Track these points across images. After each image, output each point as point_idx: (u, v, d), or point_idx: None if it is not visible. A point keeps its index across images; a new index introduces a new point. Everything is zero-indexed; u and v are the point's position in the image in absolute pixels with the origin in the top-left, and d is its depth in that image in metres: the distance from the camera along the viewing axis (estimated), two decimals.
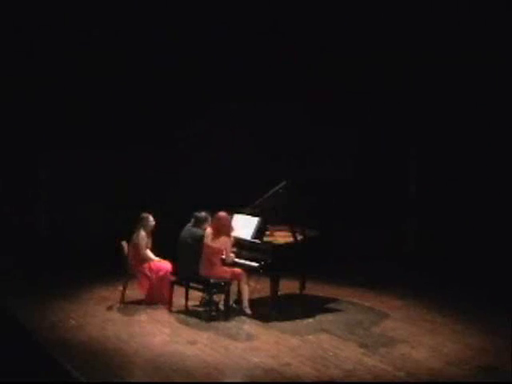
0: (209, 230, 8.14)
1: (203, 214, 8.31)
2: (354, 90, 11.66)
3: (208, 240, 8.07)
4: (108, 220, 11.20)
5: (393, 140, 11.81)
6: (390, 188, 11.81)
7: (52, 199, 11.69)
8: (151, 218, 8.62)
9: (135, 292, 8.71)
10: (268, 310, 8.13)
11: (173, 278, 8.37)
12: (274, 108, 12.04)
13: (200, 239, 8.14)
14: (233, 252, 8.20)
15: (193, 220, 8.36)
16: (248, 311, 8.19)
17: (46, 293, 8.87)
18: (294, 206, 8.14)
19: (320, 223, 8.61)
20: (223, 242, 8.02)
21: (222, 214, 8.12)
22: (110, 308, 8.41)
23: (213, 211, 8.28)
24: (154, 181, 11.92)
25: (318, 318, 8.19)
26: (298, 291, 8.86)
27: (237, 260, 8.21)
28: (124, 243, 8.61)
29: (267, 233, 8.54)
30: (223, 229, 8.06)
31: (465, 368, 6.71)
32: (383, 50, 11.35)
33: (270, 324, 7.87)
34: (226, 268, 8.09)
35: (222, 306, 8.21)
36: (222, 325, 7.84)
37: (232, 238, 8.17)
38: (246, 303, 8.23)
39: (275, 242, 8.38)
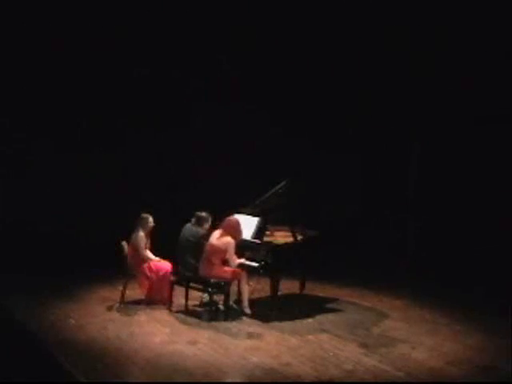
0: (217, 231, 8.13)
1: (204, 213, 8.32)
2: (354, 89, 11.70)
3: (213, 239, 8.07)
4: (108, 220, 11.19)
5: (393, 139, 11.80)
6: (391, 188, 11.81)
7: (53, 199, 11.70)
8: (151, 219, 8.61)
9: (135, 292, 8.70)
10: (268, 310, 8.13)
11: (173, 278, 8.37)
12: (273, 108, 12.07)
13: (201, 238, 8.14)
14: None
15: (194, 219, 8.37)
16: (248, 311, 8.19)
17: (46, 293, 8.86)
18: (293, 205, 8.16)
19: (320, 223, 8.66)
20: (226, 243, 7.99)
21: (234, 218, 8.14)
22: (110, 308, 8.41)
23: (212, 211, 8.30)
24: (154, 180, 11.92)
25: (317, 318, 8.19)
26: (298, 291, 8.87)
27: (241, 262, 8.18)
28: (124, 243, 8.61)
29: (267, 233, 8.54)
30: (231, 232, 8.04)
31: (464, 368, 6.71)
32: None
33: (270, 324, 7.87)
34: (226, 268, 8.08)
35: (221, 306, 8.22)
36: (221, 325, 7.84)
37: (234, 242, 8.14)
38: (246, 303, 8.23)
39: (275, 241, 8.38)
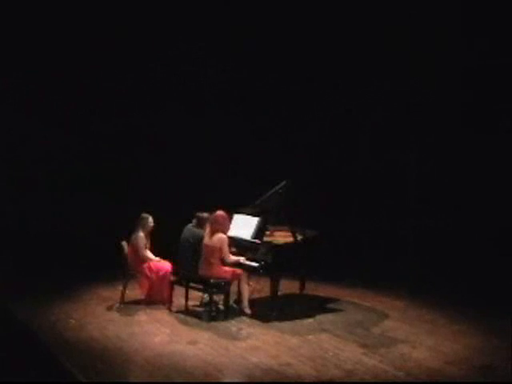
0: (207, 230, 8.15)
1: (205, 214, 8.32)
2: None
3: (206, 239, 8.08)
4: (108, 220, 11.19)
5: (394, 138, 11.82)
6: (390, 187, 11.81)
7: (52, 199, 11.70)
8: (151, 219, 8.63)
9: (135, 292, 8.72)
10: (268, 310, 8.14)
11: (173, 278, 8.38)
12: (274, 106, 12.09)
13: (201, 239, 8.14)
14: (232, 252, 8.19)
15: (195, 220, 8.38)
16: (248, 311, 8.19)
17: (47, 293, 8.88)
18: (293, 205, 8.16)
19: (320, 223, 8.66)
20: (218, 240, 7.99)
21: (219, 212, 8.12)
22: (110, 308, 8.42)
23: (212, 211, 8.30)
24: (154, 180, 11.93)
25: (318, 318, 8.20)
26: (298, 291, 8.87)
27: (237, 259, 8.18)
28: (124, 243, 8.62)
29: (267, 233, 8.54)
30: (218, 227, 8.04)
31: (464, 368, 6.71)
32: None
33: (269, 324, 7.88)
34: (225, 268, 8.09)
35: (221, 306, 8.23)
36: (221, 325, 7.85)
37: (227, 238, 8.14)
38: (245, 303, 8.24)
39: (275, 241, 8.38)
